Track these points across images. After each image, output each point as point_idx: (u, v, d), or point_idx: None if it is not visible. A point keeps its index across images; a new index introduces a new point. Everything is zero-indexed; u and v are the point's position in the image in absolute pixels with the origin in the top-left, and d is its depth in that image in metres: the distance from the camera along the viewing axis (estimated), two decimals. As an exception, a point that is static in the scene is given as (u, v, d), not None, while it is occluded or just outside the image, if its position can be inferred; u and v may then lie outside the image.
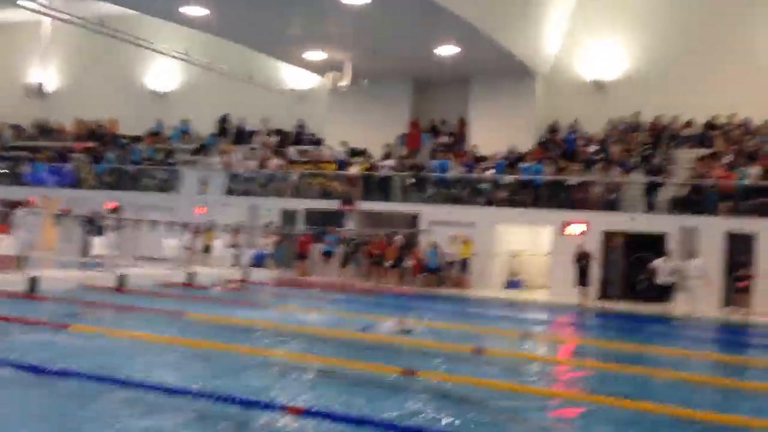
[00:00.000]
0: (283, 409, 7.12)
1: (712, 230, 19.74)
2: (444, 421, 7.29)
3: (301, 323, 13.38)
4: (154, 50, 25.12)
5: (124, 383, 7.77)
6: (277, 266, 24.00)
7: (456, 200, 23.77)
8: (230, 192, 26.75)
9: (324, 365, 9.54)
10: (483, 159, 25.31)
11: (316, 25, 22.33)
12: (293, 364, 9.58)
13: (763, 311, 18.59)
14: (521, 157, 24.34)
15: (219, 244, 22.77)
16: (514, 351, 11.67)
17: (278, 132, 30.79)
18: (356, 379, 8.94)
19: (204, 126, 31.47)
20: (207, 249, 22.52)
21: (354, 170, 25.56)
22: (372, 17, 20.86)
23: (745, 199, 20.22)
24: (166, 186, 28.23)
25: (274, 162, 27.30)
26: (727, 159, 21.49)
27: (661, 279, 19.07)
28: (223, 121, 31.31)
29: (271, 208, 25.49)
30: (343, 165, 26.31)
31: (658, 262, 19.16)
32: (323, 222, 24.19)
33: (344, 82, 23.29)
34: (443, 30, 21.85)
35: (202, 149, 30.23)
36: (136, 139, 32.06)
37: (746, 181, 20.31)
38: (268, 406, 7.19)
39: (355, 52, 23.83)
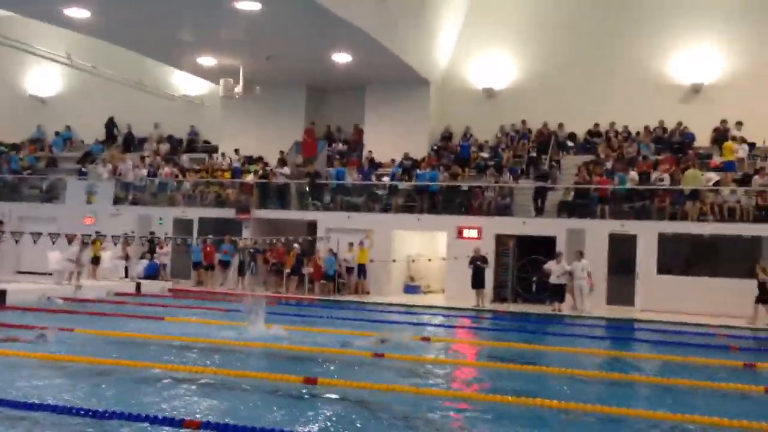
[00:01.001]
0: (181, 423, 6.87)
1: (597, 232, 20.70)
2: (345, 428, 7.26)
3: (197, 335, 13.00)
4: (32, 53, 23.86)
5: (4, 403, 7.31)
6: (172, 277, 23.32)
7: (353, 207, 23.86)
8: (119, 201, 25.74)
9: (221, 376, 9.31)
10: (379, 166, 25.55)
11: (208, 31, 21.86)
12: (189, 377, 9.29)
13: (645, 308, 19.67)
14: (416, 164, 24.71)
15: (108, 255, 21.81)
16: (413, 354, 11.79)
17: (170, 139, 29.95)
18: (258, 390, 8.77)
19: (90, 133, 30.18)
20: (96, 261, 21.52)
21: (249, 178, 25.18)
22: (265, 23, 20.67)
23: (626, 202, 21.33)
24: (50, 196, 26.86)
25: (166, 170, 26.51)
26: (609, 165, 22.60)
27: (552, 280, 19.81)
28: (110, 125, 30.12)
29: (164, 217, 24.73)
30: (238, 173, 25.86)
31: (550, 264, 19.90)
32: (218, 231, 23.68)
33: (238, 89, 22.89)
34: (337, 37, 21.93)
35: (88, 157, 28.97)
36: (15, 146, 30.36)
37: (626, 186, 21.43)
38: (165, 421, 6.92)
39: (248, 58, 23.50)
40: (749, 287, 19.30)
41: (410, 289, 23.43)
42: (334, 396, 8.54)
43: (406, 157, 25.20)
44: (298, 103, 28.12)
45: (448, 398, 8.89)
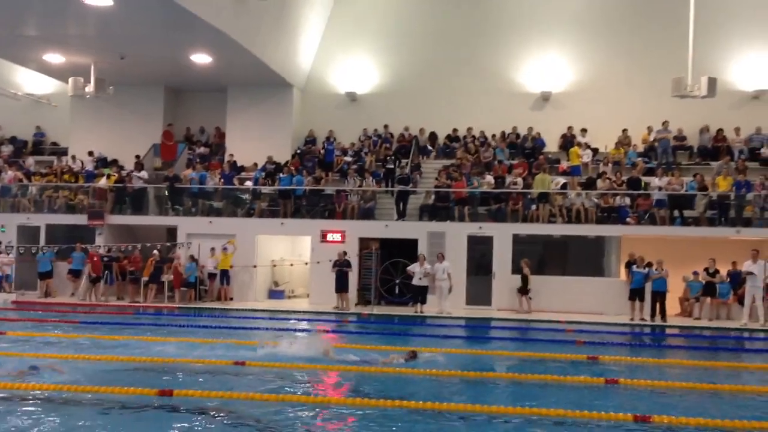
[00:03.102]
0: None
1: (457, 235, 21.37)
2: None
3: (44, 350, 12.19)
4: None
5: None
6: (16, 289, 21.78)
7: (215, 212, 23.28)
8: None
9: (72, 393, 8.78)
10: (242, 169, 25.10)
11: (56, 26, 20.63)
12: (33, 394, 8.68)
13: (501, 307, 20.52)
14: (280, 168, 24.49)
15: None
16: (277, 361, 11.64)
17: (13, 140, 27.99)
18: (108, 405, 8.33)
19: None
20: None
21: (103, 182, 23.95)
22: (117, 20, 19.74)
23: (483, 205, 22.17)
24: None
25: (10, 173, 24.72)
26: (466, 169, 23.39)
27: (415, 281, 20.23)
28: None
29: (6, 224, 23.04)
30: (90, 177, 24.55)
31: (412, 266, 20.31)
32: (69, 238, 22.35)
33: (89, 88, 21.70)
34: (195, 38, 21.34)
35: None
36: None
37: (483, 189, 22.28)
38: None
39: (100, 56, 22.34)
40: (596, 284, 20.71)
41: (274, 294, 23.17)
42: (190, 407, 8.26)
43: (270, 160, 24.93)
44: (156, 104, 27.13)
45: (310, 404, 8.83)
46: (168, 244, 22.74)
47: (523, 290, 20.33)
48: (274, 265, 23.33)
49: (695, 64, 18.88)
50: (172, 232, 23.06)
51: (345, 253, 20.75)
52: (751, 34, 25.20)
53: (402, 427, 7.83)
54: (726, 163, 22.59)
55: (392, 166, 23.65)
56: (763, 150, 23.51)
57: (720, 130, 24.27)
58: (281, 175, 23.76)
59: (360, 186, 23.01)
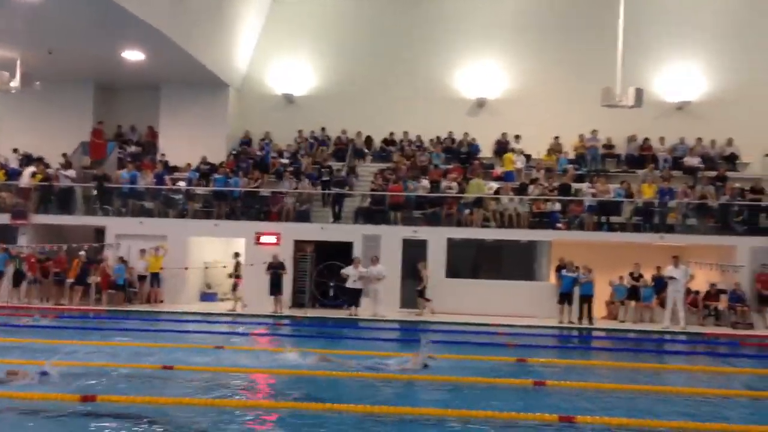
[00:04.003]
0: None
1: (392, 238, 21.46)
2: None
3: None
4: None
5: None
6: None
7: (146, 212, 22.77)
8: None
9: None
10: (175, 169, 24.61)
11: (-22, 17, 19.81)
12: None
13: (435, 310, 20.69)
14: (214, 168, 24.13)
15: None
16: (207, 365, 11.47)
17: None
18: (34, 410, 8.05)
19: None
20: None
21: (27, 180, 23.11)
22: (46, 13, 19.10)
23: (418, 209, 22.34)
24: None
25: (-74, 170, 23.63)
26: (402, 173, 23.52)
27: (349, 284, 20.23)
28: None
29: None
30: (14, 174, 23.66)
31: (347, 269, 20.30)
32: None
33: (14, 83, 20.90)
34: (127, 33, 20.82)
35: None
36: None
37: (418, 193, 22.45)
38: None
39: (27, 50, 21.54)
40: (527, 288, 21.12)
41: (207, 297, 22.81)
42: (113, 413, 8.05)
43: (204, 161, 24.54)
44: (86, 101, 26.38)
45: (239, 408, 8.73)
46: (96, 245, 22.11)
47: (421, 293, 20.52)
48: (206, 267, 22.97)
49: (624, 76, 19.47)
50: (100, 233, 22.44)
51: (279, 256, 20.60)
52: (676, 48, 26.19)
53: (330, 427, 7.83)
54: (651, 171, 23.39)
55: (328, 178, 23.41)
56: (686, 159, 24.43)
57: (646, 139, 25.11)
58: (216, 175, 23.42)
59: (296, 188, 22.87)
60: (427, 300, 20.49)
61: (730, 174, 23.57)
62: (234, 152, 25.92)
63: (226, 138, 26.28)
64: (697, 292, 20.56)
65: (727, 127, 24.95)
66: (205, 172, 23.98)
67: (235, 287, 21.45)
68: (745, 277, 20.35)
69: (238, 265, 21.53)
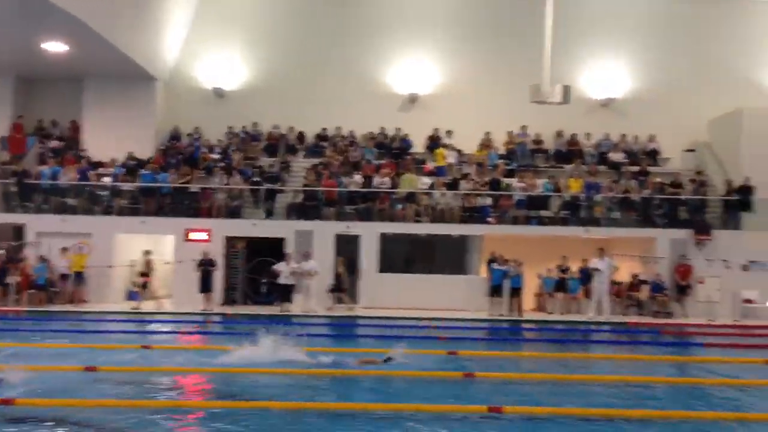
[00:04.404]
0: None
1: (324, 233, 21.39)
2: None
3: None
4: None
5: None
6: None
7: (69, 209, 22.03)
8: None
9: None
10: (100, 165, 23.87)
11: None
12: None
13: (368, 305, 20.74)
14: (141, 164, 23.52)
15: None
16: (133, 365, 11.19)
17: None
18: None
19: None
20: None
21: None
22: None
23: (351, 204, 22.32)
24: None
25: None
26: (335, 168, 23.47)
27: (281, 280, 20.07)
28: None
29: None
30: (-74, 170, 22.56)
31: (279, 265, 20.13)
32: None
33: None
34: (48, 24, 20.02)
35: None
36: None
37: (351, 188, 22.43)
38: None
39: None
40: (459, 282, 21.38)
41: (134, 295, 22.20)
42: (34, 416, 7.76)
43: (130, 156, 23.90)
44: (5, 95, 25.31)
45: (164, 408, 8.54)
46: (14, 243, 21.26)
47: (337, 288, 20.66)
48: (133, 266, 22.36)
49: (551, 73, 19.90)
50: (19, 231, 21.58)
51: (209, 252, 20.25)
52: (601, 48, 26.93)
53: (259, 427, 7.74)
54: (578, 166, 24.00)
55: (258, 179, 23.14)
56: (610, 154, 25.15)
57: (573, 135, 25.75)
58: (143, 171, 22.83)
59: (227, 184, 22.51)
60: (342, 292, 20.45)
61: (651, 169, 24.41)
62: (162, 147, 25.32)
63: (153, 133, 25.63)
64: (620, 283, 21.23)
65: (649, 124, 25.82)
66: (132, 167, 23.35)
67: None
68: (665, 268, 21.13)
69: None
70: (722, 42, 26.78)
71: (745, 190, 21.76)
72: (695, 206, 22.05)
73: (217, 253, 20.84)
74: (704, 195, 22.44)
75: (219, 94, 26.93)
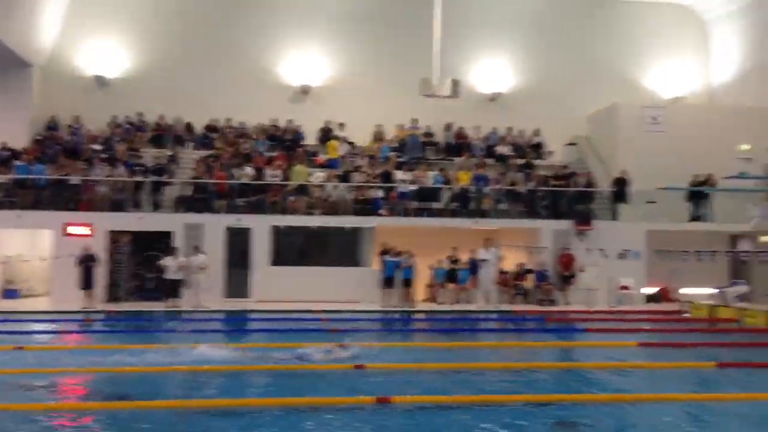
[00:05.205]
0: None
1: (215, 226, 20.91)
2: None
3: None
4: None
5: None
6: None
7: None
8: None
9: None
10: (-32, 156, 22.33)
11: None
12: None
13: (261, 299, 20.46)
14: (16, 155, 22.17)
15: None
16: (4, 366, 10.55)
17: None
18: None
19: None
20: None
21: None
22: None
23: (242, 197, 21.93)
24: None
25: None
26: (225, 160, 22.97)
27: (169, 275, 19.47)
28: None
29: None
30: None
31: (166, 260, 19.51)
32: None
33: None
34: None
35: None
36: None
37: (242, 180, 22.02)
38: None
39: None
40: (352, 274, 21.46)
41: (9, 293, 20.97)
42: None
43: (4, 147, 22.47)
44: None
45: (42, 411, 8.10)
46: None
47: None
48: (4, 262, 21.09)
49: (441, 67, 20.25)
50: None
51: (91, 247, 19.36)
52: (489, 42, 27.68)
53: (153, 428, 7.50)
54: (467, 159, 24.57)
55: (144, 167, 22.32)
56: (498, 147, 25.91)
57: (461, 128, 26.33)
58: (17, 162, 21.52)
59: (110, 176, 21.57)
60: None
61: (536, 162, 25.33)
62: (39, 137, 23.96)
63: (29, 122, 24.22)
64: (506, 272, 21.93)
65: (534, 118, 26.75)
66: (5, 158, 21.97)
67: None
68: (549, 257, 22.00)
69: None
70: (602, 41, 28.16)
71: (621, 182, 22.96)
72: (576, 198, 23.05)
73: (100, 248, 19.96)
74: (584, 187, 23.49)
75: (101, 82, 25.78)
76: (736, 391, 9.14)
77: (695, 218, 22.79)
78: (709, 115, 25.51)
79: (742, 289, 19.85)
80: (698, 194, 22.80)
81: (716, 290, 20.09)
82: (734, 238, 23.33)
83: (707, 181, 22.79)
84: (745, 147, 23.61)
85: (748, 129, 24.31)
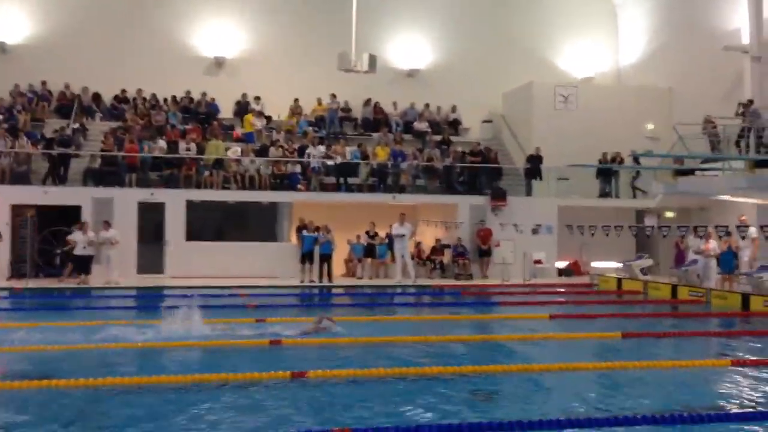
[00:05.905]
0: None
1: (126, 201, 20.24)
2: None
3: None
4: None
5: None
6: None
7: None
8: None
9: None
10: None
11: None
12: None
13: (175, 274, 20.01)
14: None
15: None
16: None
17: None
18: None
19: None
20: None
21: None
22: None
23: (154, 171, 21.29)
24: None
25: None
26: (137, 132, 22.20)
27: (78, 251, 18.77)
28: None
29: None
30: None
31: (76, 235, 18.78)
32: None
33: None
34: None
35: None
36: None
37: (154, 154, 21.37)
38: None
39: None
40: (270, 249, 21.26)
41: None
42: None
43: None
44: None
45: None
46: None
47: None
48: None
49: (358, 42, 20.13)
50: None
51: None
52: (407, 18, 27.70)
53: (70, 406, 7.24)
54: (384, 135, 24.61)
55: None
56: (415, 124, 26.06)
57: (377, 104, 26.32)
58: None
59: (12, 147, 20.51)
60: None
61: (453, 138, 25.63)
62: (-69, 106, 22.52)
63: None
64: (420, 244, 22.21)
65: (451, 95, 27.03)
66: None
67: None
68: (465, 232, 22.39)
69: None
70: (518, 20, 28.58)
71: (535, 159, 23.52)
72: (491, 174, 23.47)
73: (2, 222, 19.01)
74: (499, 163, 23.94)
75: (1, 48, 24.37)
76: (639, 360, 9.57)
77: (604, 194, 23.64)
78: (617, 95, 26.44)
79: (647, 262, 20.79)
80: (607, 171, 23.62)
81: (623, 264, 20.96)
82: (640, 214, 24.38)
83: (615, 159, 23.63)
84: (650, 127, 24.60)
85: (654, 109, 25.34)
